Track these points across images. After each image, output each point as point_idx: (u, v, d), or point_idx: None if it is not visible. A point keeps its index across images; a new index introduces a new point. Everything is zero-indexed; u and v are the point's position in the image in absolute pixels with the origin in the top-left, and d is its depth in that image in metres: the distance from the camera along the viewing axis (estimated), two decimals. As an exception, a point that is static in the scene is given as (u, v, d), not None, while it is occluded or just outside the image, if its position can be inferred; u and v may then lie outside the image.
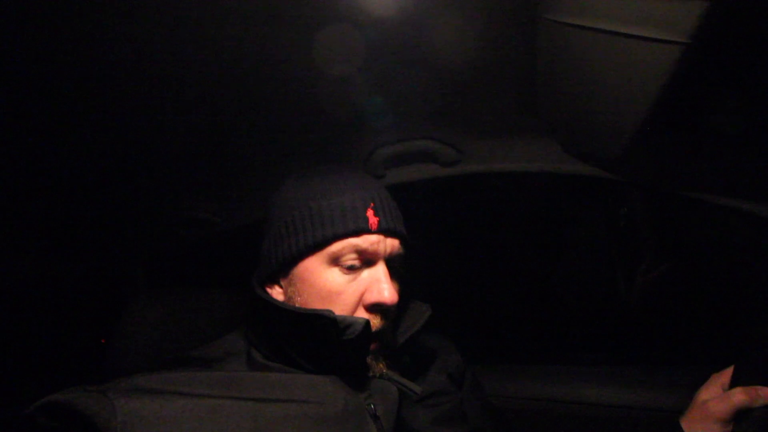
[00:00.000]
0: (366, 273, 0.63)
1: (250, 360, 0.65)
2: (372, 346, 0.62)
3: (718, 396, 0.64)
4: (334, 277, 0.62)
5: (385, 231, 0.63)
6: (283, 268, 0.65)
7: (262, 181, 1.18)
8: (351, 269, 0.62)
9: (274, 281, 0.67)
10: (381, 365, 0.64)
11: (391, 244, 0.64)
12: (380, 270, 0.62)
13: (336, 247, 0.61)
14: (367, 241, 0.61)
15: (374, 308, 0.62)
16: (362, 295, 0.62)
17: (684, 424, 0.65)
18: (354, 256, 0.62)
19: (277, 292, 0.68)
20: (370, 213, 0.62)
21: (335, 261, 0.62)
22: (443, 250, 1.75)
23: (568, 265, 1.67)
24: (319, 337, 0.58)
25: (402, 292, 0.67)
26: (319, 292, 0.62)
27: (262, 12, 0.63)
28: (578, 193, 1.73)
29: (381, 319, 0.63)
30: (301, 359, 0.61)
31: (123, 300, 0.91)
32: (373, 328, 0.60)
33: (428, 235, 1.67)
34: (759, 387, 0.61)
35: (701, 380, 0.69)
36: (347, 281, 0.62)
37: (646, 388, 0.99)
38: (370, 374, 0.63)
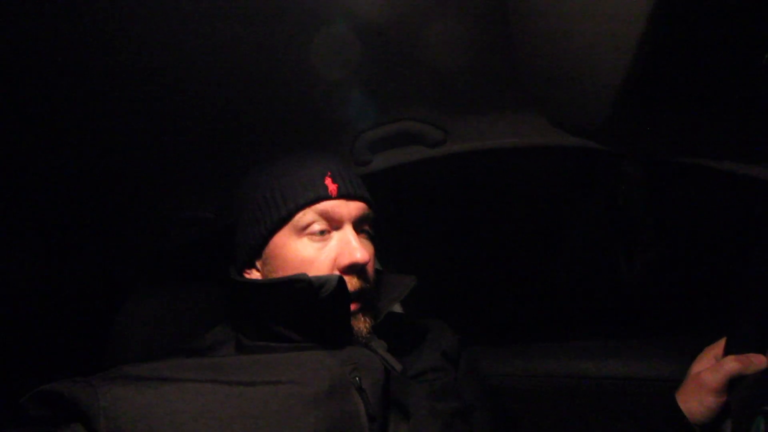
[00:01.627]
0: (335, 238, 0.66)
1: (239, 346, 0.67)
2: (353, 307, 0.64)
3: (711, 366, 0.62)
4: (304, 246, 0.64)
5: (345, 196, 0.66)
6: (257, 251, 0.68)
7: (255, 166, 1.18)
8: (320, 237, 0.65)
9: (251, 266, 0.70)
10: (365, 327, 0.65)
11: (355, 207, 0.67)
12: (348, 232, 0.65)
13: (300, 216, 0.64)
14: (329, 206, 0.65)
15: (349, 270, 0.64)
16: (335, 260, 0.64)
17: (679, 397, 0.64)
18: (319, 222, 0.65)
19: (255, 276, 0.69)
20: (328, 181, 0.66)
21: (302, 231, 0.65)
22: (438, 231, 1.74)
23: (567, 243, 1.64)
24: (299, 302, 0.60)
25: (376, 255, 0.69)
26: (293, 263, 0.64)
27: (257, 11, 0.63)
28: (575, 171, 1.70)
29: (357, 279, 0.65)
30: (287, 331, 0.63)
31: (121, 299, 0.92)
32: (351, 289, 0.63)
33: (423, 216, 1.66)
34: (751, 354, 0.59)
35: (699, 348, 0.68)
36: (318, 248, 0.65)
37: (645, 359, 0.98)
38: (355, 338, 0.64)
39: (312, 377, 0.58)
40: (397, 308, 1.35)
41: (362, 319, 0.65)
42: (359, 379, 0.60)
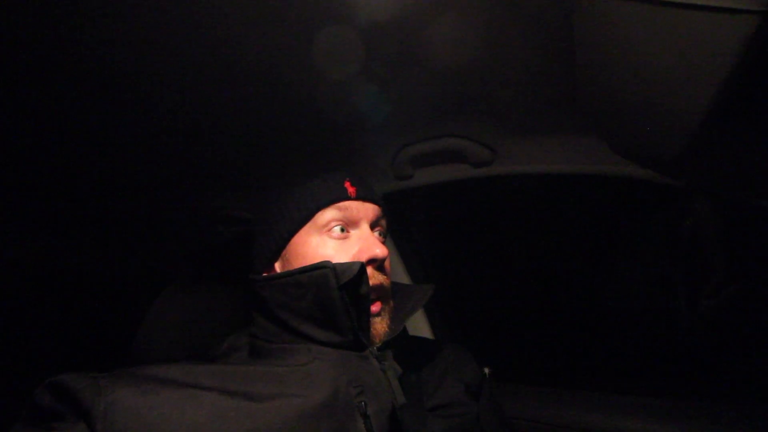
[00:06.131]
0: (354, 236, 0.68)
1: (253, 350, 0.67)
2: (374, 308, 0.65)
3: None
4: (324, 243, 0.66)
5: (363, 198, 0.70)
6: (277, 252, 0.69)
7: (293, 177, 1.18)
8: (340, 234, 0.67)
9: (270, 268, 0.70)
10: (382, 330, 0.65)
11: (372, 209, 0.70)
12: (366, 230, 0.68)
13: (322, 216, 0.67)
14: (348, 205, 0.68)
15: (369, 264, 0.66)
16: (355, 256, 0.66)
17: None
18: (340, 221, 0.67)
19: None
20: (347, 185, 0.69)
21: (323, 229, 0.67)
22: (475, 253, 1.65)
23: (621, 281, 1.50)
24: (322, 290, 0.60)
25: (405, 271, 0.70)
26: (313, 260, 0.64)
27: (276, 17, 0.62)
28: (634, 200, 1.56)
29: (376, 272, 0.66)
30: (307, 326, 0.62)
31: (156, 294, 0.94)
32: (371, 280, 0.64)
33: (461, 236, 1.59)
34: None
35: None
36: (338, 245, 0.67)
37: (702, 426, 0.84)
38: (372, 341, 0.64)
39: (317, 391, 0.57)
40: (426, 332, 1.29)
41: (380, 320, 0.66)
42: (365, 404, 0.59)
